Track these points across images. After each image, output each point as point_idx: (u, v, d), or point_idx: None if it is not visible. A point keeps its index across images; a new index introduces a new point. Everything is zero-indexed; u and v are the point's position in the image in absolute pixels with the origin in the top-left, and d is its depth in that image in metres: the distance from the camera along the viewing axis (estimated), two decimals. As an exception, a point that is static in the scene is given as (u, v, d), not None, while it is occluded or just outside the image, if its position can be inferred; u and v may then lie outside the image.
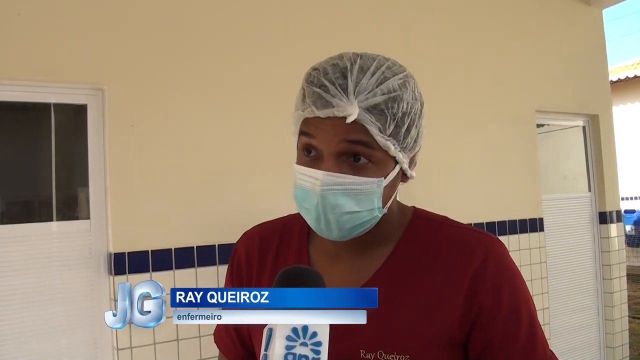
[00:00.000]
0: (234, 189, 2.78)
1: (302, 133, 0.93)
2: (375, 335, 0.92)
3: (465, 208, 3.42)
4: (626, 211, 8.63)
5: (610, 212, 4.49)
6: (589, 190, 4.54)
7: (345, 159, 0.90)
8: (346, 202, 0.89)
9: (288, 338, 0.70)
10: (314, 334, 0.71)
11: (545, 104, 4.15)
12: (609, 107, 4.68)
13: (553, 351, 0.99)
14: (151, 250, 2.55)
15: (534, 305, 1.00)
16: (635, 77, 10.70)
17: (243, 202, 2.77)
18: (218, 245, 2.70)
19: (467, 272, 0.94)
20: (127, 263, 2.48)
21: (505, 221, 3.79)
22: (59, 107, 2.53)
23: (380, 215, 0.94)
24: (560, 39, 4.35)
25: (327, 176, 0.88)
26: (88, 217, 2.51)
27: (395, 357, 0.90)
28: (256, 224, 1.15)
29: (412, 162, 0.99)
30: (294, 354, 0.70)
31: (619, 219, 4.58)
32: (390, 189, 0.95)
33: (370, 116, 0.88)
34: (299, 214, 1.09)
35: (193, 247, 2.65)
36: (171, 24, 2.70)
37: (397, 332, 0.92)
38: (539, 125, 4.26)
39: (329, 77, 0.89)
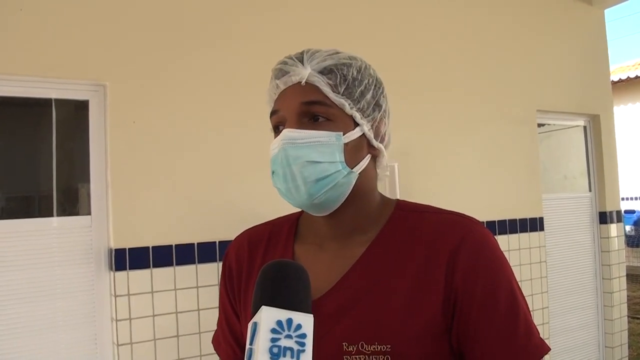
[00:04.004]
0: (234, 186, 2.79)
1: (271, 115, 1.02)
2: (356, 327, 0.92)
3: (465, 207, 3.41)
4: (626, 211, 8.63)
5: (611, 212, 4.50)
6: (590, 190, 4.54)
7: (305, 120, 0.97)
8: (307, 152, 0.95)
9: (273, 331, 0.70)
10: (299, 326, 0.71)
11: (546, 104, 4.15)
12: (610, 107, 4.68)
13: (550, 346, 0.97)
14: (152, 247, 2.55)
15: (520, 290, 0.97)
16: (637, 77, 10.69)
17: (244, 198, 2.77)
18: (219, 241, 2.70)
19: (444, 256, 0.94)
20: (128, 259, 2.49)
21: (505, 220, 3.79)
22: (61, 102, 2.53)
23: (346, 173, 0.97)
24: (562, 38, 4.35)
25: (288, 132, 0.96)
26: (89, 213, 2.51)
27: (377, 347, 0.90)
28: (247, 228, 1.18)
29: (378, 134, 1.03)
30: (279, 347, 0.69)
31: (619, 219, 4.58)
32: (355, 150, 0.99)
33: (322, 77, 0.98)
34: (289, 215, 1.14)
35: (194, 244, 2.65)
36: (173, 21, 2.70)
37: (378, 322, 0.92)
38: (539, 125, 4.26)
39: (290, 56, 1.02)
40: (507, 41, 3.98)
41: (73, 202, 2.67)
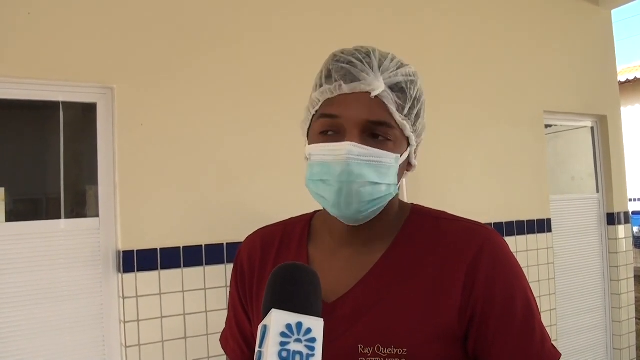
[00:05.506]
0: (242, 188, 2.79)
1: (322, 116, 0.96)
2: (373, 330, 0.93)
3: (472, 208, 3.40)
4: (634, 212, 8.59)
5: (618, 214, 4.47)
6: (597, 191, 4.52)
7: (365, 136, 0.93)
8: (369, 172, 0.92)
9: (282, 334, 0.70)
10: (309, 330, 0.71)
11: (553, 105, 4.14)
12: (617, 107, 4.66)
13: (558, 349, 0.97)
14: (160, 248, 2.56)
15: (534, 299, 0.98)
16: (644, 77, 10.63)
17: (251, 200, 2.77)
18: (226, 243, 2.71)
19: (462, 265, 0.94)
20: (136, 261, 2.49)
21: (513, 222, 3.78)
22: (68, 105, 2.54)
23: (394, 194, 0.96)
24: (569, 39, 4.33)
25: (353, 147, 0.91)
26: (97, 215, 2.52)
27: (393, 351, 0.90)
28: (259, 228, 1.17)
29: (415, 151, 1.03)
30: (289, 351, 0.69)
31: (626, 220, 4.55)
32: (401, 170, 0.99)
33: (392, 94, 0.94)
34: (301, 216, 1.12)
35: (202, 246, 2.66)
36: (180, 24, 2.71)
37: (395, 326, 0.92)
38: (547, 126, 4.24)
39: (356, 56, 0.95)
40: (513, 42, 3.97)
41: (81, 204, 2.68)
